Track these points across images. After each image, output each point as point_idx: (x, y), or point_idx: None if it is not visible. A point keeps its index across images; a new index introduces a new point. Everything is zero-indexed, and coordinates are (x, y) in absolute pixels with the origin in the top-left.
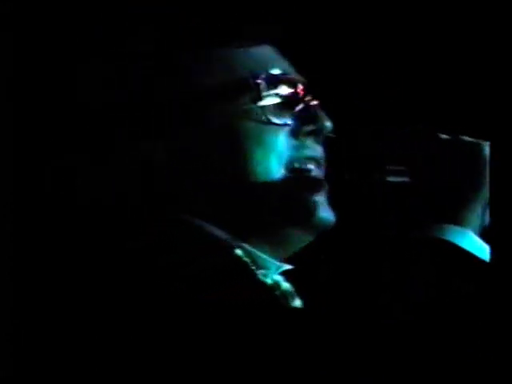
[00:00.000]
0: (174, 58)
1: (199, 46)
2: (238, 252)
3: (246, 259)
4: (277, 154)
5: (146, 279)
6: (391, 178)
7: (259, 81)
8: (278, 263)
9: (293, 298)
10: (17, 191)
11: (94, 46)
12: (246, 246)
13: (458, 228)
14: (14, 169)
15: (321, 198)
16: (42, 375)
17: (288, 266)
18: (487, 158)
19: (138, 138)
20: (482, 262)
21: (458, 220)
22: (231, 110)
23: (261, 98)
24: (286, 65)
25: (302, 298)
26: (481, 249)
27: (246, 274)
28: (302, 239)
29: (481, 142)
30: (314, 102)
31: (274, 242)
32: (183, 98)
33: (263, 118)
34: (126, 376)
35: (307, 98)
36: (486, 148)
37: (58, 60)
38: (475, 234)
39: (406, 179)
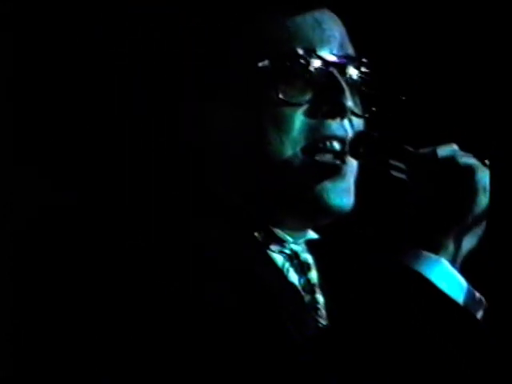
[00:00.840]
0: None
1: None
2: (251, 227)
3: (257, 233)
4: (290, 134)
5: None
6: (394, 172)
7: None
8: (299, 234)
9: (309, 270)
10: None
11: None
12: (262, 220)
13: (431, 256)
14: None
15: (334, 184)
16: (42, 375)
17: (312, 236)
18: (478, 184)
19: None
20: (446, 297)
21: (434, 245)
22: (252, 86)
23: (284, 77)
24: (335, 35)
25: (319, 271)
26: (452, 279)
27: (255, 247)
28: (314, 221)
29: (475, 164)
30: (339, 80)
31: (289, 221)
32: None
33: (279, 97)
34: (127, 376)
35: (333, 77)
36: (480, 172)
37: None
38: (450, 261)
39: (404, 177)
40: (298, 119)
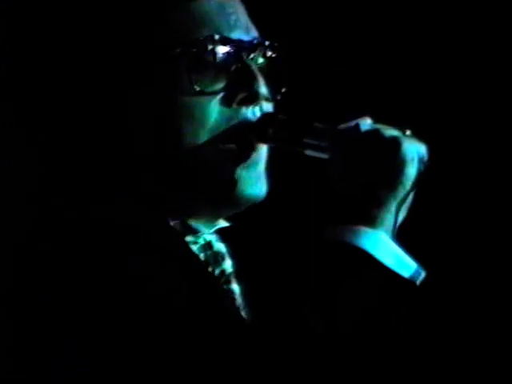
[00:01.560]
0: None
1: None
2: (168, 219)
3: (173, 223)
4: (206, 125)
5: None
6: (309, 152)
7: (195, 47)
8: (212, 223)
9: (223, 259)
10: None
11: None
12: (178, 210)
13: (369, 230)
14: None
15: (248, 172)
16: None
17: (223, 224)
18: (406, 155)
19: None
20: (387, 270)
21: (371, 220)
22: (165, 77)
23: (196, 66)
24: (241, 18)
25: (234, 259)
26: (393, 253)
27: (172, 237)
28: (228, 210)
29: (400, 136)
30: (252, 67)
31: (203, 211)
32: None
33: (193, 87)
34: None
35: (245, 63)
36: (406, 144)
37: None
38: (388, 234)
39: (324, 156)
40: (213, 109)
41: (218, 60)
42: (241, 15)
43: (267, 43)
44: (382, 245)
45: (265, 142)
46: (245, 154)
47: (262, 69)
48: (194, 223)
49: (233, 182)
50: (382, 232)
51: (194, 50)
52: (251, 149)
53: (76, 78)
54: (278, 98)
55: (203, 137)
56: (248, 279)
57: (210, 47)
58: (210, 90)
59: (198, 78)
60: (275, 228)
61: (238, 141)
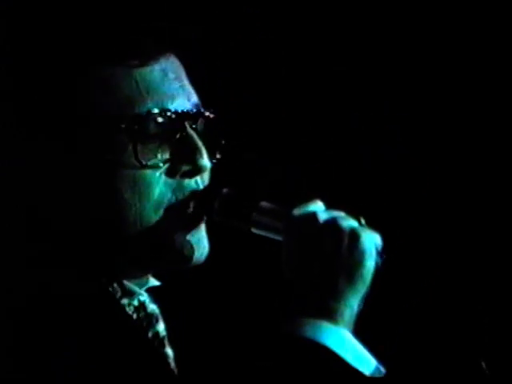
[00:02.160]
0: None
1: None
2: (105, 282)
3: (112, 288)
4: (151, 197)
5: None
6: (257, 230)
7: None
8: (143, 281)
9: (157, 321)
10: None
11: None
12: (115, 274)
13: (331, 326)
14: None
15: (195, 236)
16: None
17: (154, 283)
18: (365, 248)
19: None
20: (349, 366)
21: (331, 314)
22: (108, 148)
23: (140, 139)
24: (184, 85)
25: (166, 322)
26: (354, 349)
27: (108, 302)
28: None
29: (359, 228)
30: (194, 137)
31: (144, 275)
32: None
33: (138, 160)
34: None
35: (187, 133)
36: (364, 236)
37: None
38: (349, 329)
39: (274, 237)
40: (158, 181)
41: (161, 130)
42: (184, 81)
43: (206, 109)
44: (343, 341)
45: (211, 216)
46: (191, 224)
47: (202, 132)
48: (127, 284)
49: (180, 248)
50: (343, 328)
51: (139, 123)
52: (198, 219)
53: (14, 141)
54: (214, 161)
55: (149, 207)
56: (180, 344)
57: (154, 120)
58: (153, 162)
59: (142, 150)
60: (208, 290)
61: (184, 211)
